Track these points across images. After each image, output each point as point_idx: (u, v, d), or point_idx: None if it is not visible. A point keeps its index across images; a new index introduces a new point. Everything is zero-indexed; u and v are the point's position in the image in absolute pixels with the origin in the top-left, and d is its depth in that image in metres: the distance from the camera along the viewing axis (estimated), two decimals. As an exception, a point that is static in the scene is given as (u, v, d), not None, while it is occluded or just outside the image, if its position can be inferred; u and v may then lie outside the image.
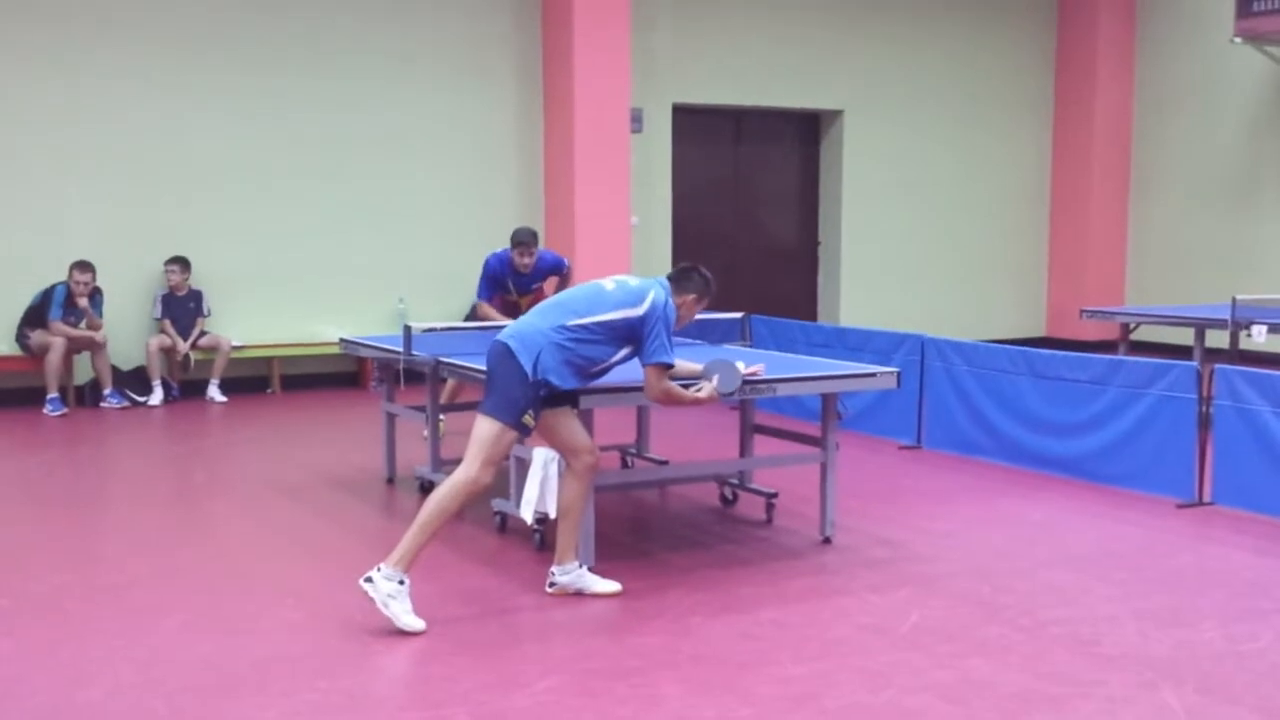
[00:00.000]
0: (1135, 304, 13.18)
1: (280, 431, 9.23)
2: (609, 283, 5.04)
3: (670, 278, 5.12)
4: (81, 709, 3.93)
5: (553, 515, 5.19)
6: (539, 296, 8.05)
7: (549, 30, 11.46)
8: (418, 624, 4.55)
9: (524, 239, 8.28)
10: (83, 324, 9.79)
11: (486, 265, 8.36)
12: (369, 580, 4.58)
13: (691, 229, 12.43)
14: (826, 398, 5.82)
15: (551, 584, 5.05)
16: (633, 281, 5.04)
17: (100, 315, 9.86)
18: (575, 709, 3.96)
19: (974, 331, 11.89)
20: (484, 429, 4.74)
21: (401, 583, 4.57)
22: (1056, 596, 5.08)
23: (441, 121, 11.32)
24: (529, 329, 4.89)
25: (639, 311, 4.87)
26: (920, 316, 12.42)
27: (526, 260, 8.24)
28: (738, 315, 7.51)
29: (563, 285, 8.28)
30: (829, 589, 5.17)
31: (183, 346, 10.23)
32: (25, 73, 9.90)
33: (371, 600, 4.55)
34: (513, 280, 8.35)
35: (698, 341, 6.92)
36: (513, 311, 7.61)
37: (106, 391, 9.86)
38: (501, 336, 4.92)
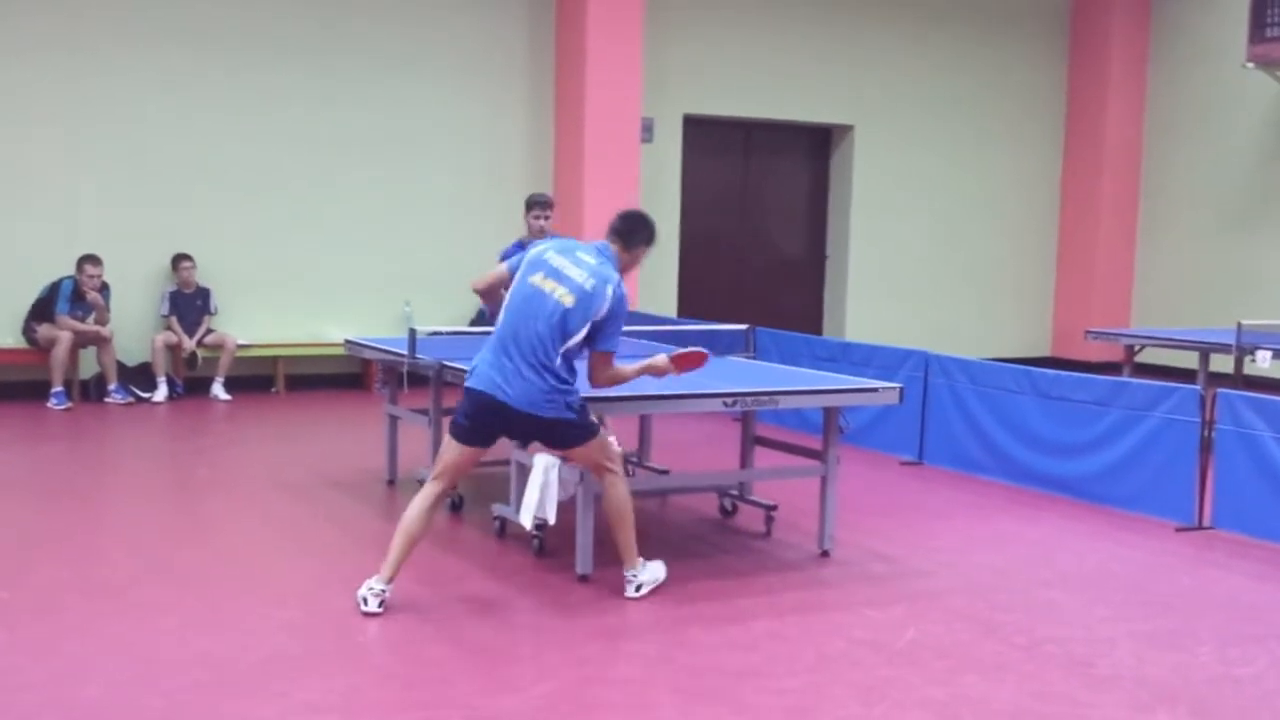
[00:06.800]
0: (1141, 326, 13.16)
1: (283, 431, 9.25)
2: (559, 288, 4.83)
3: (619, 231, 5.06)
4: (77, 705, 3.94)
5: (552, 521, 5.19)
6: None
7: (562, 37, 11.50)
8: None
9: (540, 199, 7.76)
10: (90, 318, 9.81)
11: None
12: None
13: (699, 240, 12.45)
14: (829, 411, 5.83)
15: None
16: (580, 276, 4.86)
17: (107, 310, 9.89)
18: (568, 715, 3.97)
19: (979, 349, 11.88)
20: None
21: None
22: (1053, 616, 5.08)
23: (452, 126, 11.34)
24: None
25: (603, 312, 4.83)
26: (925, 332, 12.41)
27: (543, 224, 7.61)
28: (743, 327, 7.52)
29: None
30: (826, 603, 5.17)
31: (189, 344, 10.25)
32: (35, 69, 9.93)
33: None
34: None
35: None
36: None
37: (111, 387, 9.89)
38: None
